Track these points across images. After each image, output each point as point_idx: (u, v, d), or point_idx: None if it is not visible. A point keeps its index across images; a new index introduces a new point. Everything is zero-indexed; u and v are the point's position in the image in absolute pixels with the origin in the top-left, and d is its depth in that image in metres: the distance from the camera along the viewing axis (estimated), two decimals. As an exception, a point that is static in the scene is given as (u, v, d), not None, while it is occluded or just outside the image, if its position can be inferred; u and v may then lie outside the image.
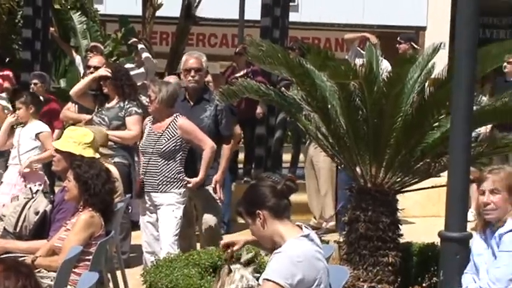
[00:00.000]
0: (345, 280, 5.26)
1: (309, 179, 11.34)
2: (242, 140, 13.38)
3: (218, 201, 8.51)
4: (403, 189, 7.28)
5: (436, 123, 6.86)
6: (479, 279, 5.38)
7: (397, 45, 12.78)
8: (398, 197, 7.26)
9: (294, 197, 4.99)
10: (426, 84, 7.33)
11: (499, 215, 5.42)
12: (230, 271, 5.07)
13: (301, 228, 4.76)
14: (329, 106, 6.94)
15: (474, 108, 6.37)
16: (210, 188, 8.43)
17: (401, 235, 7.19)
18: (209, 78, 10.49)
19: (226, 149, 8.64)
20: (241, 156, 13.54)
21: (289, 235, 4.65)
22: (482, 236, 5.53)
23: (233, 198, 10.66)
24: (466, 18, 5.56)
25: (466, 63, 5.55)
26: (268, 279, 4.44)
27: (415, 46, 12.95)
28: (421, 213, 11.30)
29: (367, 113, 6.74)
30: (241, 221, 5.41)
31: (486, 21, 21.53)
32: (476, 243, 5.55)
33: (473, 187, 6.43)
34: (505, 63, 11.79)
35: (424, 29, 18.95)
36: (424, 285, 7.06)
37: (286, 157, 13.98)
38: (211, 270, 6.49)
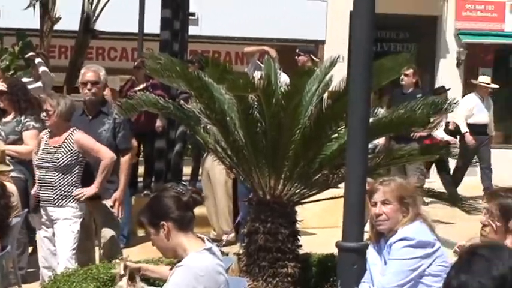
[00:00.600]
0: (243, 291, 5.30)
1: (207, 191, 11.34)
2: (141, 153, 13.37)
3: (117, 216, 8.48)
4: (302, 201, 7.33)
5: (334, 135, 6.95)
6: None
7: (296, 57, 12.91)
8: (298, 208, 7.30)
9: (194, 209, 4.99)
10: (325, 96, 7.40)
11: (390, 225, 5.46)
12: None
13: (204, 241, 4.76)
14: (228, 119, 6.95)
15: (371, 120, 6.49)
16: (109, 202, 8.39)
17: (300, 246, 7.23)
18: (107, 91, 10.43)
19: (124, 163, 8.59)
20: (141, 169, 13.50)
21: (192, 248, 4.64)
22: (375, 246, 5.59)
23: (133, 212, 10.60)
24: (361, 32, 5.65)
25: (362, 76, 5.62)
26: None
27: (314, 58, 13.12)
28: (321, 224, 11.39)
29: (266, 125, 6.77)
30: (141, 234, 5.41)
31: (383, 35, 21.89)
32: (371, 254, 5.61)
33: None
34: (402, 76, 12.05)
35: (323, 42, 19.12)
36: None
37: (187, 170, 13.98)
38: (110, 284, 6.42)
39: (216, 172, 10.89)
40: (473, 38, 22.61)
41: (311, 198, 7.48)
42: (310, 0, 21.52)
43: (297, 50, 13.21)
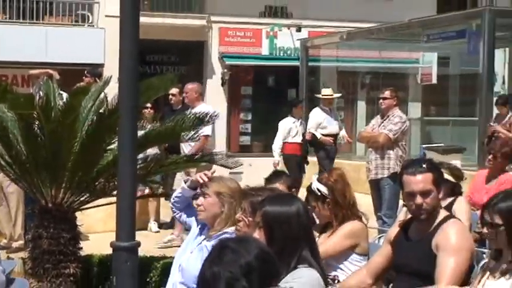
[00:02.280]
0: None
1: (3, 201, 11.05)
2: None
3: None
4: (82, 207, 7.28)
5: (109, 147, 6.95)
6: None
7: (83, 78, 12.88)
8: (83, 215, 7.30)
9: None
10: (102, 111, 7.39)
11: (207, 216, 5.37)
12: None
13: None
14: (10, 135, 6.81)
15: (142, 132, 6.56)
16: None
17: (81, 248, 7.14)
18: None
19: None
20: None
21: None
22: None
23: None
24: (127, 55, 5.63)
25: (129, 94, 5.64)
26: None
27: (97, 80, 13.06)
28: (104, 229, 11.27)
29: (46, 139, 6.67)
30: None
31: (156, 59, 22.06)
32: None
33: None
34: (171, 96, 12.14)
35: (102, 65, 19.02)
36: (103, 292, 7.09)
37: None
38: None
39: (6, 183, 10.61)
40: (235, 61, 23.16)
41: (91, 205, 7.41)
42: (90, 28, 21.54)
43: (86, 72, 13.18)
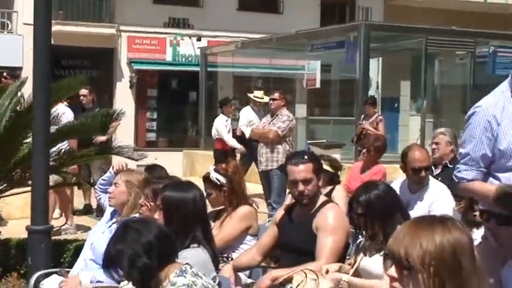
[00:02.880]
0: None
1: None
2: None
3: None
4: (0, 195, 7.15)
5: (25, 141, 6.84)
6: None
7: (2, 80, 12.51)
8: (3, 203, 7.22)
9: None
10: (18, 109, 7.26)
11: (116, 203, 5.37)
12: None
13: None
14: None
15: (55, 127, 6.48)
16: None
17: (0, 233, 7.01)
18: None
19: None
20: None
21: None
22: None
23: None
24: (40, 58, 5.62)
25: (42, 94, 5.64)
26: None
27: (17, 81, 12.76)
28: (22, 215, 11.01)
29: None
30: None
31: (71, 63, 21.77)
32: None
33: None
34: (81, 96, 11.90)
35: (21, 68, 18.57)
36: (21, 271, 6.90)
37: None
38: None
39: None
40: (142, 66, 23.04)
41: (10, 193, 7.29)
42: (9, 35, 21.11)
43: (5, 74, 12.78)
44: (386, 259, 2.25)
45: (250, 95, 14.58)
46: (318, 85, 19.45)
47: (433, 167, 7.76)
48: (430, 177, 6.53)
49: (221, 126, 14.60)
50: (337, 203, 5.32)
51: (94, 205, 11.45)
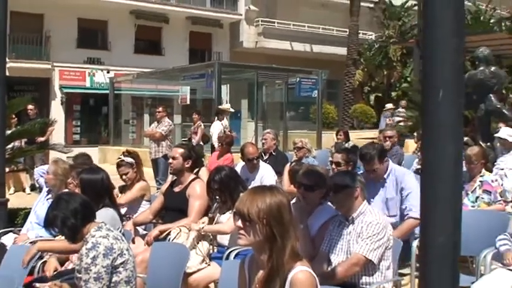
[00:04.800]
0: None
1: None
2: None
3: None
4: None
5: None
6: None
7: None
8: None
9: None
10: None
11: (49, 184, 5.07)
12: None
13: None
14: None
15: (8, 131, 6.16)
16: None
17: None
18: None
19: None
20: None
21: None
22: None
23: None
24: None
25: (1, 108, 5.32)
26: None
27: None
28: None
29: None
30: None
31: (21, 88, 20.68)
32: None
33: None
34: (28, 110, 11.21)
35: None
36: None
37: None
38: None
39: None
40: (70, 90, 22.44)
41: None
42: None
43: None
44: (235, 215, 2.20)
45: (221, 107, 12.89)
46: (188, 102, 19.38)
47: (263, 154, 7.97)
48: (261, 162, 6.70)
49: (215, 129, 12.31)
50: (202, 179, 5.34)
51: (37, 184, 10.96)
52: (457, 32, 1.31)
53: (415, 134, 12.17)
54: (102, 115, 23.22)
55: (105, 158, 18.13)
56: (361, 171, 4.98)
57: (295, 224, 2.24)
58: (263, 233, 2.12)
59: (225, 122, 12.35)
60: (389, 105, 17.91)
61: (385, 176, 4.69)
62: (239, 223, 2.16)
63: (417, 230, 4.22)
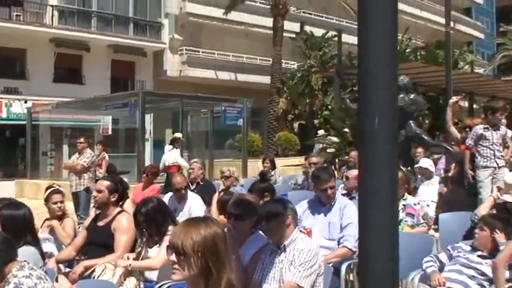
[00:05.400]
0: None
1: None
2: None
3: None
4: None
5: None
6: None
7: None
8: None
9: None
10: None
11: None
12: None
13: None
14: None
15: None
16: None
17: None
18: None
19: None
20: None
21: None
22: None
23: None
24: None
25: None
26: None
27: None
28: None
29: None
30: None
31: None
32: None
33: None
34: None
35: None
36: None
37: None
38: None
39: None
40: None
41: None
42: None
43: None
44: (169, 249, 2.11)
45: (177, 135, 13.16)
46: (110, 132, 18.96)
47: (190, 184, 7.88)
48: (189, 192, 6.58)
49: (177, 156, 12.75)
50: (128, 212, 5.20)
51: None
52: (391, 62, 1.36)
53: (336, 160, 12.50)
54: (19, 147, 22.32)
55: (22, 192, 17.26)
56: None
57: (231, 255, 2.19)
58: (198, 266, 2.05)
59: (174, 154, 12.53)
60: (321, 132, 18.40)
61: (331, 203, 4.77)
62: (173, 257, 2.08)
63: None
